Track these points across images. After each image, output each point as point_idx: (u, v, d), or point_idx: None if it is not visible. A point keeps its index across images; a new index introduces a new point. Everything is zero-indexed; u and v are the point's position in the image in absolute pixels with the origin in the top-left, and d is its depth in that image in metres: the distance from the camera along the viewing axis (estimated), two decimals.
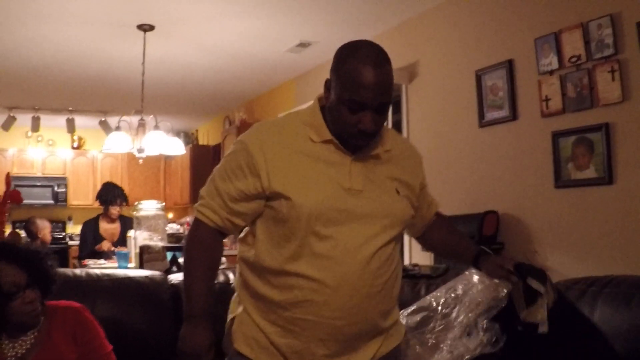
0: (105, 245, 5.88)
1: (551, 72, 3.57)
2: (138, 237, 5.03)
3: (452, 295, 1.94)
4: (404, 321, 1.98)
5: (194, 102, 8.19)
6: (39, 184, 9.49)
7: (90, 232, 6.04)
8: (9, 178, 4.01)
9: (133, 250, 5.09)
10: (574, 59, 3.42)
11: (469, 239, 2.07)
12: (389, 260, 1.76)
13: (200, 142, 9.95)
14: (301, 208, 1.66)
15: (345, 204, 1.69)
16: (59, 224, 9.65)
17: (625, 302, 2.22)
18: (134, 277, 2.94)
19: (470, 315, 1.85)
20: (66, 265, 7.73)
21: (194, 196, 8.26)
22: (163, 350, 2.72)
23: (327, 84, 1.72)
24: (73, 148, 10.12)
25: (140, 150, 5.55)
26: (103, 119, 8.10)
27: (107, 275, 2.88)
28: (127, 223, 5.95)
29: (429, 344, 1.86)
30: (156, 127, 5.55)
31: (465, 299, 1.89)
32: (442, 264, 3.23)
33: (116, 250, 5.57)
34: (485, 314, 1.85)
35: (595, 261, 3.30)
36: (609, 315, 2.25)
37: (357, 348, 1.76)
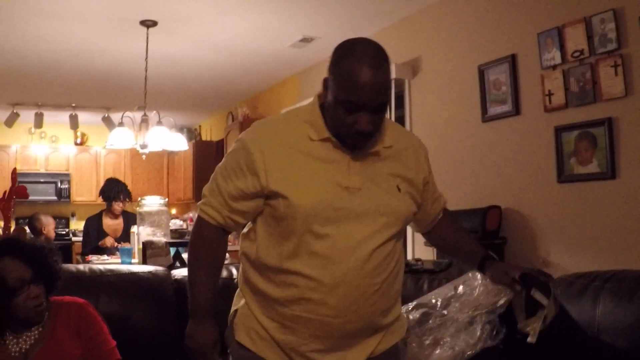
0: (109, 241, 5.89)
1: (554, 67, 3.56)
2: (141, 233, 5.05)
3: (452, 293, 1.94)
4: None
5: (196, 97, 8.19)
6: (42, 180, 9.51)
7: (94, 228, 6.05)
8: (15, 174, 4.01)
9: (136, 246, 5.10)
10: (576, 54, 3.41)
11: (476, 241, 2.05)
12: (388, 258, 1.75)
13: (203, 138, 9.95)
14: (298, 207, 1.66)
15: (343, 202, 1.68)
16: (62, 220, 9.67)
17: (628, 296, 2.22)
18: (137, 272, 2.94)
19: (469, 313, 1.84)
20: (69, 261, 7.74)
21: (197, 192, 8.25)
22: (166, 345, 2.73)
23: (325, 83, 1.71)
24: (76, 144, 10.13)
25: (143, 146, 5.55)
26: (106, 115, 8.10)
27: (111, 270, 2.89)
28: (130, 219, 5.96)
29: (429, 342, 1.85)
30: (159, 122, 5.55)
31: (465, 300, 1.88)
32: (445, 259, 3.23)
33: (119, 246, 5.58)
34: (484, 315, 1.85)
35: (598, 256, 3.30)
36: (611, 310, 2.25)
37: (354, 345, 1.76)
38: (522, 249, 3.73)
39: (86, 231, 6.12)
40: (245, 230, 1.87)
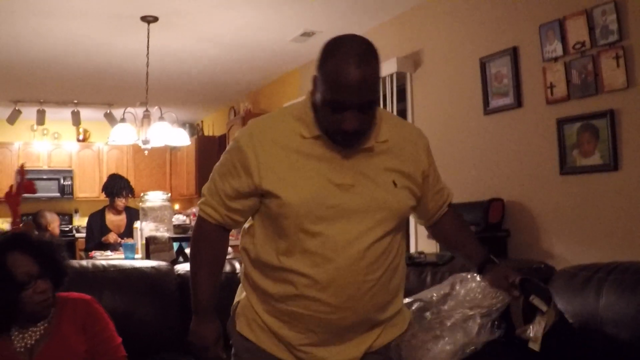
0: (112, 237, 5.91)
1: (556, 59, 3.55)
2: (144, 229, 5.05)
3: (448, 291, 1.92)
4: None
5: (198, 93, 8.19)
6: (45, 177, 9.51)
7: (97, 224, 6.06)
8: (22, 170, 4.00)
9: (139, 241, 5.11)
10: (578, 46, 3.40)
11: (478, 241, 2.02)
12: (384, 255, 1.74)
13: (206, 133, 9.95)
14: (289, 206, 1.67)
15: (336, 199, 1.68)
16: (66, 217, 9.67)
17: (630, 288, 2.23)
18: (141, 268, 2.96)
19: (465, 312, 1.83)
20: (73, 257, 7.76)
21: (200, 187, 8.23)
22: (170, 340, 2.75)
23: (314, 80, 1.69)
24: (78, 140, 10.13)
25: (145, 142, 5.55)
26: (108, 111, 8.10)
27: (114, 266, 2.90)
28: (133, 214, 5.97)
29: (427, 338, 1.84)
30: (161, 118, 5.55)
31: (461, 300, 1.86)
32: (448, 252, 3.23)
33: (122, 241, 5.59)
34: (479, 317, 1.83)
35: (600, 248, 3.29)
36: (614, 302, 2.25)
37: (352, 339, 1.77)
38: (525, 242, 3.73)
39: (89, 227, 6.13)
40: (246, 225, 1.88)
